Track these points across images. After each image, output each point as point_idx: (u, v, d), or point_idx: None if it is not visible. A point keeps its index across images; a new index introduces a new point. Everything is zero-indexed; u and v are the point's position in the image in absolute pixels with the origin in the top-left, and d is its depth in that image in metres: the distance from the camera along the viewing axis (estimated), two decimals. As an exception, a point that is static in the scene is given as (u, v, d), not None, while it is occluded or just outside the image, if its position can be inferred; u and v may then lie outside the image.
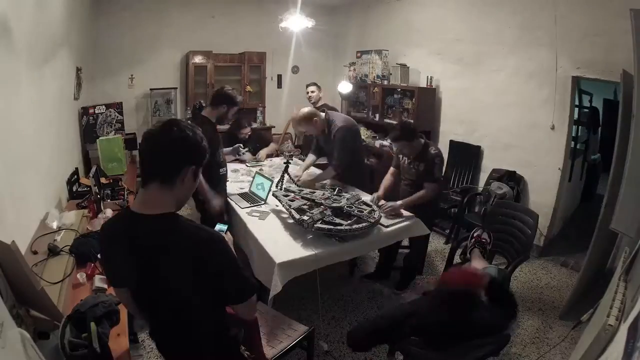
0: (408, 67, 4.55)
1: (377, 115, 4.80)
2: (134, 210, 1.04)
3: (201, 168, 1.09)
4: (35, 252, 1.79)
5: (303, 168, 3.21)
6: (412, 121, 3.53)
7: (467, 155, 4.09)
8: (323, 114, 3.01)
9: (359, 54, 5.07)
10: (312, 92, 3.99)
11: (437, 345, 1.62)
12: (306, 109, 3.01)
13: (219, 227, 1.28)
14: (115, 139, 3.72)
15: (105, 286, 1.67)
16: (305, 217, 2.14)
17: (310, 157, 3.30)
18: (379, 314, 2.46)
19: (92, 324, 1.26)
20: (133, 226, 1.04)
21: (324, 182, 3.08)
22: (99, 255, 1.73)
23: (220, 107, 2.51)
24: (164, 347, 1.29)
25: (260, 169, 3.39)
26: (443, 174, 2.61)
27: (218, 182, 2.53)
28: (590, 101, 4.52)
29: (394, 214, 2.51)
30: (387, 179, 2.89)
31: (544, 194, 3.48)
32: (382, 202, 2.64)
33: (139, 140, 4.47)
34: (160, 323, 1.22)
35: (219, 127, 2.61)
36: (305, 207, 2.34)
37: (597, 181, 4.97)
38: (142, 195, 1.05)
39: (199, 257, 1.01)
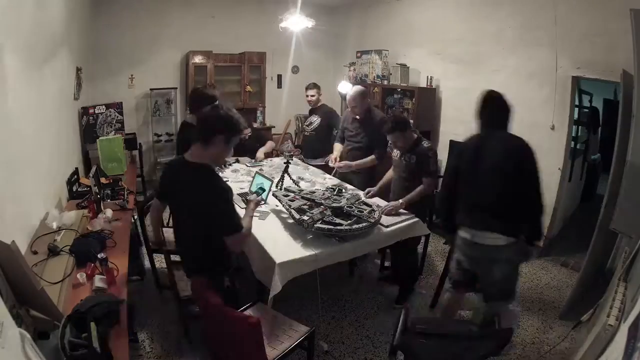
0: (408, 67, 4.55)
1: (377, 115, 4.79)
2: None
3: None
4: (35, 252, 1.79)
5: (337, 154, 3.33)
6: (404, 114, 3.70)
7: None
8: None
9: (359, 54, 5.07)
10: (312, 95, 3.82)
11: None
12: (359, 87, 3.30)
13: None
14: (115, 139, 3.72)
15: (106, 286, 1.67)
16: (305, 217, 2.14)
17: (338, 146, 3.44)
18: None
19: (92, 324, 1.26)
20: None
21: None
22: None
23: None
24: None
25: (260, 169, 3.39)
26: (437, 169, 2.59)
27: None
28: (590, 101, 4.51)
29: (394, 213, 2.52)
30: (388, 174, 2.92)
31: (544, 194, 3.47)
32: (372, 191, 2.82)
33: (138, 140, 4.48)
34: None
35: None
36: (305, 207, 2.34)
37: (597, 181, 4.96)
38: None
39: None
